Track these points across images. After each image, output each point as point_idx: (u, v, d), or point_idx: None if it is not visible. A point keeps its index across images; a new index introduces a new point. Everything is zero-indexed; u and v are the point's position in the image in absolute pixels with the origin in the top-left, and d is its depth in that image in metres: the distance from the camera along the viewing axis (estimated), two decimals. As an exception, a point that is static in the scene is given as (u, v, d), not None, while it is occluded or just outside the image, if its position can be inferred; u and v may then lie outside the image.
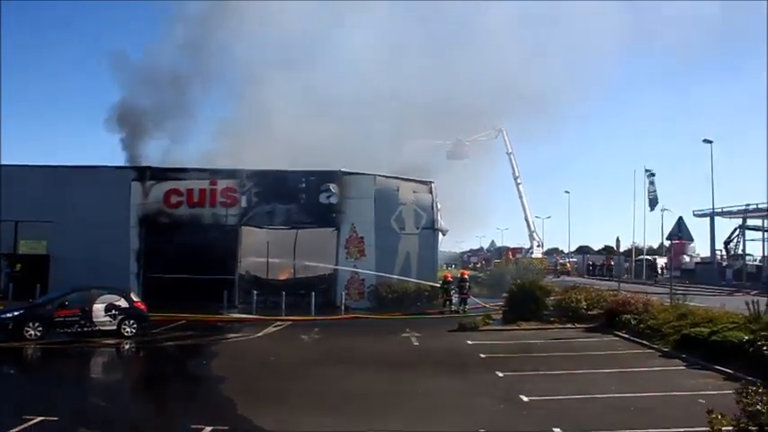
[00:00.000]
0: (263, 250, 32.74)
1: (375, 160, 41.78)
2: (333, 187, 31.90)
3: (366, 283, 31.67)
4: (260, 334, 22.85)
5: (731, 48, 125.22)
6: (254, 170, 32.61)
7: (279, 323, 25.65)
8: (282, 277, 33.99)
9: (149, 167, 33.54)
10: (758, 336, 15.08)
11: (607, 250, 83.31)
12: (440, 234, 34.10)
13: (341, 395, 12.89)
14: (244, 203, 31.97)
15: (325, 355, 18.46)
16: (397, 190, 33.09)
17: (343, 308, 29.44)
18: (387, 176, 34.01)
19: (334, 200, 31.93)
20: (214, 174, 32.48)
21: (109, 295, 21.51)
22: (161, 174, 32.67)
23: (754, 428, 6.06)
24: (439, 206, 33.76)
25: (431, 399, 12.71)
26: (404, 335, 22.59)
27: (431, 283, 31.81)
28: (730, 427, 6.21)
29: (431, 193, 33.69)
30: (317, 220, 32.30)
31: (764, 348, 14.16)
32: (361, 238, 32.02)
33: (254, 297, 28.64)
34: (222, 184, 32.06)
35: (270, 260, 32.90)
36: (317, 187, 32.12)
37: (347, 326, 25.65)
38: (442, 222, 33.93)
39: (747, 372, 13.76)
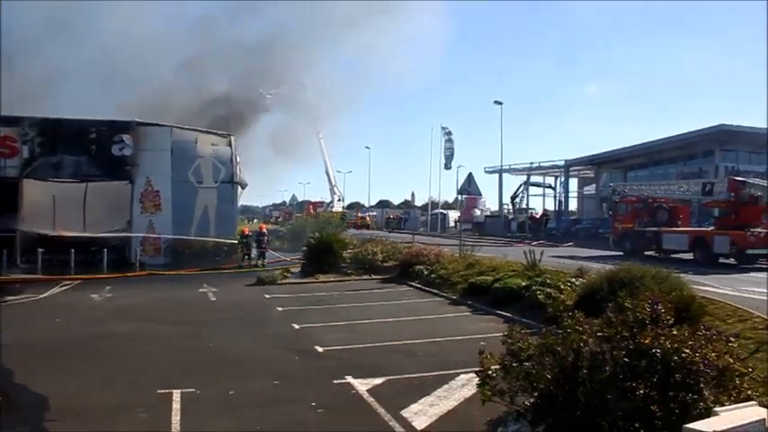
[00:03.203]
0: (48, 205, 30.72)
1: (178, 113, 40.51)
2: (126, 138, 30.36)
3: (162, 238, 30.82)
4: (45, 295, 21.64)
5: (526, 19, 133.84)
6: (38, 118, 30.21)
7: (67, 282, 24.49)
8: (71, 234, 32.13)
9: None
10: (533, 282, 16.91)
11: (406, 204, 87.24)
12: (239, 188, 33.86)
13: (130, 355, 12.68)
14: (26, 154, 29.40)
15: (115, 314, 17.90)
16: (195, 142, 32.24)
17: (138, 264, 28.48)
18: (184, 128, 32.99)
19: (127, 151, 30.38)
20: None
21: None
22: None
23: (515, 364, 6.86)
24: (238, 159, 33.45)
25: (226, 354, 12.87)
26: (201, 290, 22.61)
27: (229, 241, 31.56)
28: (498, 366, 6.98)
29: (230, 146, 33.27)
30: (108, 172, 30.62)
31: (538, 293, 15.83)
32: (157, 191, 30.92)
33: (39, 255, 26.85)
34: (0, 132, 29.41)
35: (56, 215, 30.95)
36: (109, 138, 30.38)
37: (142, 283, 24.90)
38: (241, 176, 33.70)
39: (524, 315, 15.40)
